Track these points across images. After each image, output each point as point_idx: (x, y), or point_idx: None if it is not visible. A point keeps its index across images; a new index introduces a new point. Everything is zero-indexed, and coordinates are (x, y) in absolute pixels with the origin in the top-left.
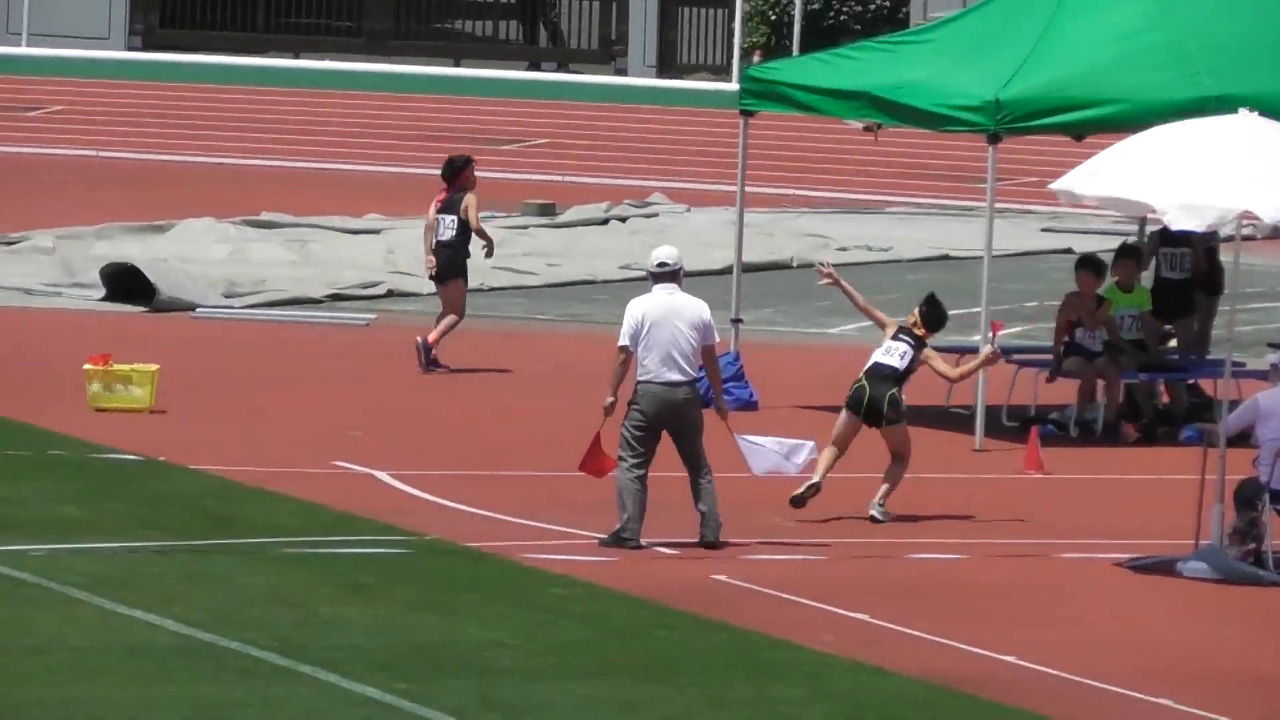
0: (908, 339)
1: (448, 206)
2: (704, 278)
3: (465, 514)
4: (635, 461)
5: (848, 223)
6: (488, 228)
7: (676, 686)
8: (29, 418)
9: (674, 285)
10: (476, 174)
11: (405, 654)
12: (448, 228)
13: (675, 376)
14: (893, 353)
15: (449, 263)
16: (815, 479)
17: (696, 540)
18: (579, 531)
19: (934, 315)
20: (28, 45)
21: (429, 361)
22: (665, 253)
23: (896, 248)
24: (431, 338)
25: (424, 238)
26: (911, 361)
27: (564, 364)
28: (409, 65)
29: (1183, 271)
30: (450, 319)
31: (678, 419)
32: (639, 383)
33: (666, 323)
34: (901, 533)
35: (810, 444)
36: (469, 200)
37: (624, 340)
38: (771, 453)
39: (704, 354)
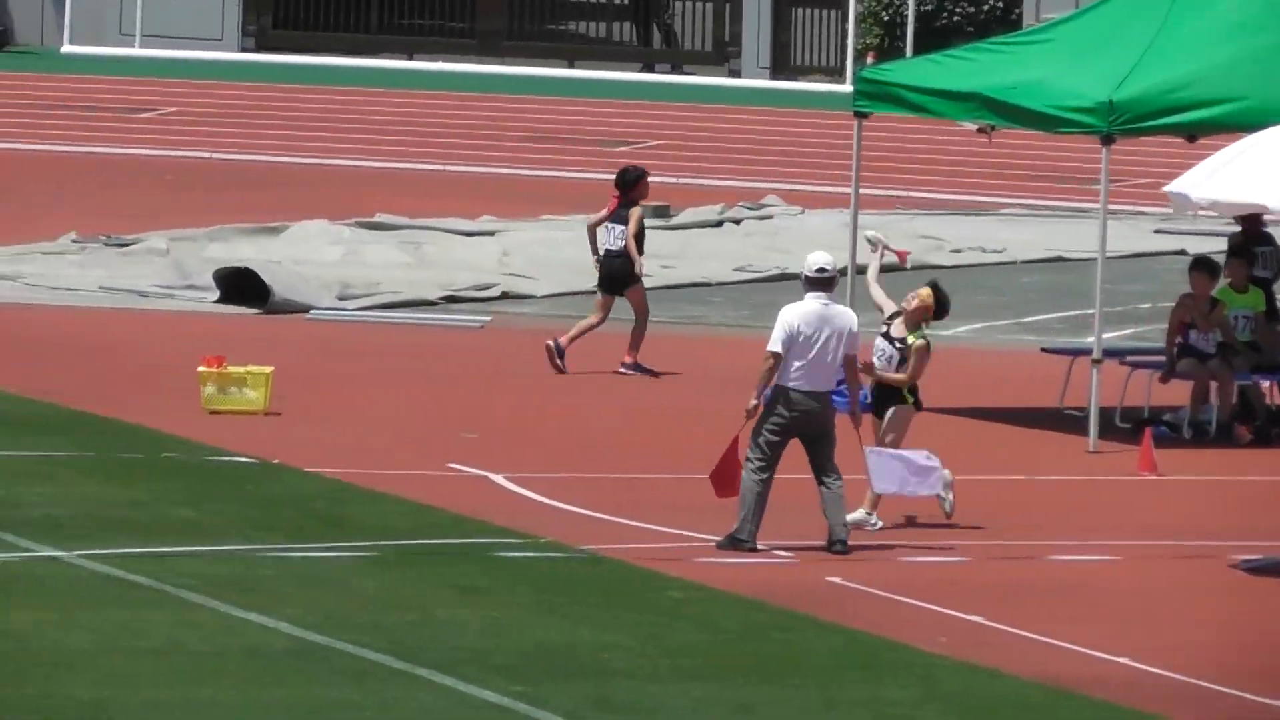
0: (896, 343)
1: (618, 217)
2: None
3: (580, 516)
4: (762, 464)
5: (961, 224)
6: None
7: (791, 688)
8: (143, 420)
9: (828, 294)
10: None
11: (521, 656)
12: (618, 237)
13: (819, 387)
14: (881, 357)
15: (623, 271)
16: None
17: (814, 544)
18: (694, 534)
19: (944, 306)
20: (141, 46)
21: (635, 368)
22: (824, 259)
23: (1010, 249)
24: (628, 358)
25: (589, 239)
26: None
27: (678, 366)
28: (522, 67)
29: (1273, 270)
30: (640, 328)
31: (815, 427)
32: (781, 388)
33: (818, 333)
34: (1017, 534)
35: (940, 470)
36: (635, 213)
37: (775, 346)
38: (899, 471)
39: (845, 362)
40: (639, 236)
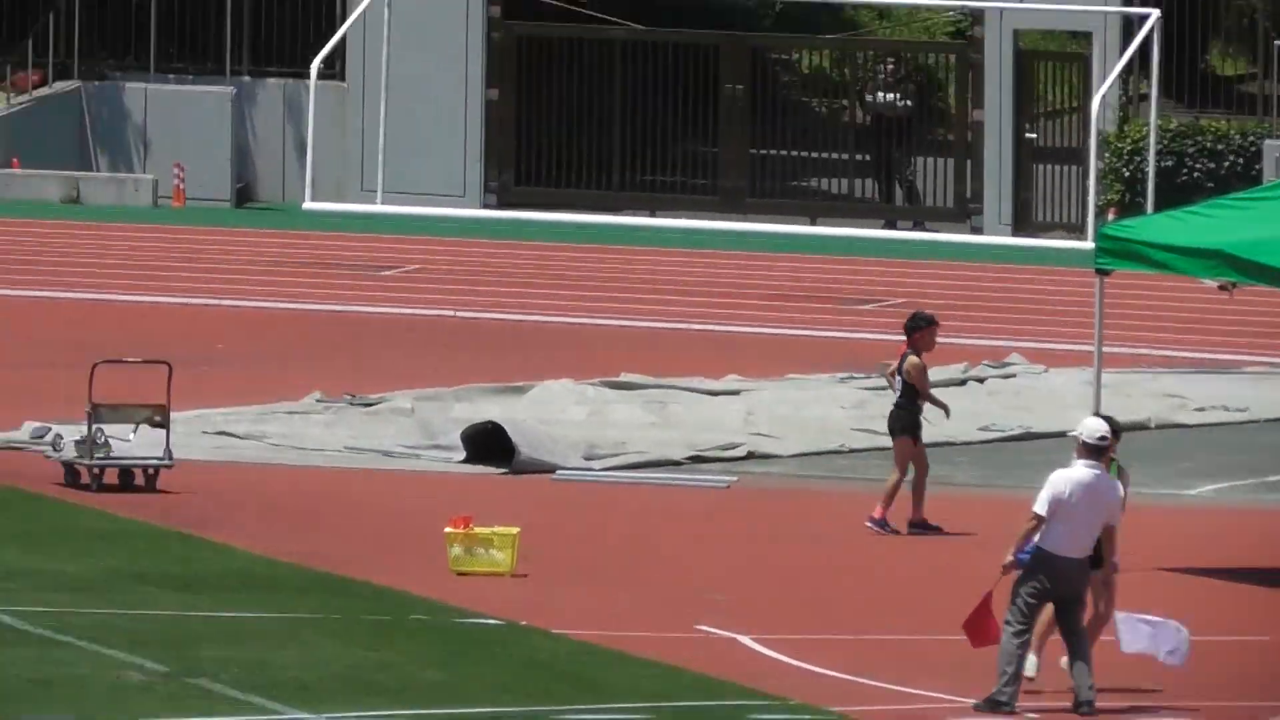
0: None
1: (899, 365)
2: (1062, 439)
3: (830, 678)
4: (1022, 627)
5: (1205, 382)
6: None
7: None
8: (391, 581)
9: (1100, 463)
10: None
11: None
12: (896, 388)
13: (1079, 553)
14: None
15: (893, 420)
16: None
17: (1059, 706)
18: (942, 695)
19: (1117, 430)
20: (383, 203)
21: (880, 524)
22: (1104, 428)
23: (1254, 408)
24: (877, 513)
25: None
26: None
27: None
28: (764, 224)
29: None
30: (894, 479)
31: (1071, 590)
32: (1043, 552)
33: (1084, 502)
34: (1265, 695)
35: (1185, 640)
36: (909, 364)
37: (1040, 509)
38: (1149, 634)
39: (1105, 533)
40: (925, 385)
